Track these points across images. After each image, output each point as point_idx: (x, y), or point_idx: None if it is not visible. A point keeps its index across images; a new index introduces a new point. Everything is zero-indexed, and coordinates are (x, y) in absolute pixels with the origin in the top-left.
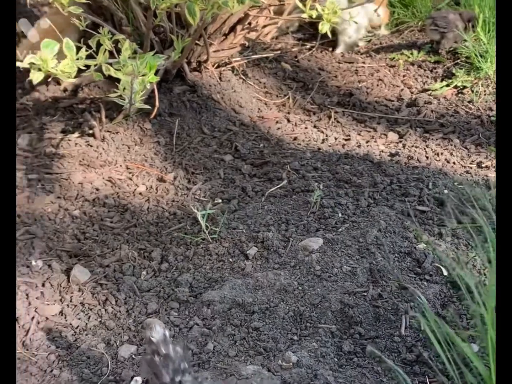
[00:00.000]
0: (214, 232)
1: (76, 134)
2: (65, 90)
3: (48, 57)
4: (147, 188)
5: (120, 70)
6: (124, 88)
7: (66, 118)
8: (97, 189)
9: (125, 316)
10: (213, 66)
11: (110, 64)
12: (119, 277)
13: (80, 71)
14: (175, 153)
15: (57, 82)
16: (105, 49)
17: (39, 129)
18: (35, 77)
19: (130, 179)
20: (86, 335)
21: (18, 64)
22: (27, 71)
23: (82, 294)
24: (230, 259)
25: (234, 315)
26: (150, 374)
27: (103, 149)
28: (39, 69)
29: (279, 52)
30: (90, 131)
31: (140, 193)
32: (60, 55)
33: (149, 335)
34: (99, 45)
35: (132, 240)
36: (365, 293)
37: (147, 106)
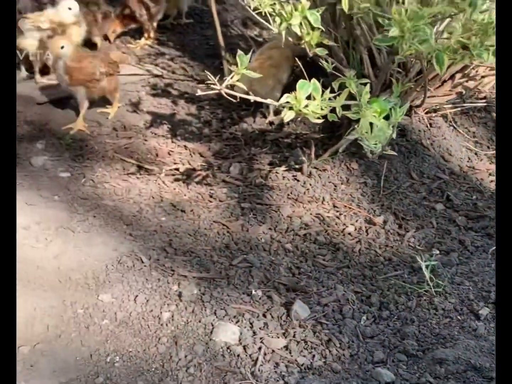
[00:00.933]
0: (438, 285)
1: (283, 168)
2: (271, 123)
3: (302, 97)
4: (356, 229)
5: (358, 112)
6: (365, 131)
7: (272, 151)
8: (306, 225)
9: (350, 361)
10: (423, 111)
11: (347, 106)
12: (338, 318)
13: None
14: (383, 196)
15: (264, 115)
16: (348, 92)
17: (248, 160)
18: (287, 115)
19: (338, 217)
20: (313, 374)
21: (270, 101)
22: (236, 99)
23: (304, 330)
24: (459, 317)
25: (470, 378)
26: None
27: (310, 185)
28: (290, 108)
29: (485, 101)
30: (297, 166)
31: (350, 233)
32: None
33: None
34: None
35: (347, 281)
36: None
37: (394, 153)
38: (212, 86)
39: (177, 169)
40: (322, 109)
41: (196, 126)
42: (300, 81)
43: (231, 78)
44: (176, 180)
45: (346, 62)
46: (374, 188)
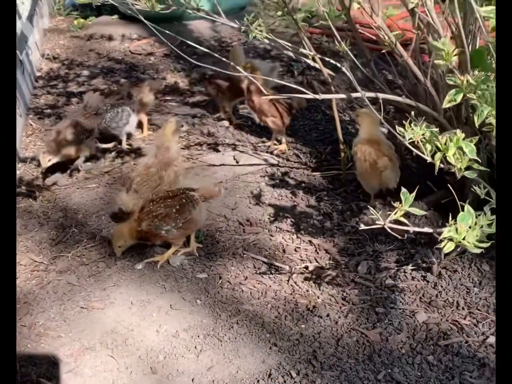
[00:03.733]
0: None
1: (411, 266)
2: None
3: (463, 230)
4: None
5: None
6: None
7: (397, 247)
8: (445, 334)
9: None
10: None
11: None
12: None
13: None
14: None
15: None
16: None
17: (374, 257)
18: (447, 247)
19: (476, 325)
20: None
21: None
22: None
23: None
24: None
25: None
26: None
27: (442, 287)
28: (450, 239)
29: None
30: (424, 265)
31: (492, 345)
32: None
33: None
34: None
35: None
36: None
37: None
38: (376, 221)
39: (306, 268)
40: (481, 241)
41: (317, 219)
42: (461, 214)
43: (395, 214)
44: (307, 279)
45: None
46: None
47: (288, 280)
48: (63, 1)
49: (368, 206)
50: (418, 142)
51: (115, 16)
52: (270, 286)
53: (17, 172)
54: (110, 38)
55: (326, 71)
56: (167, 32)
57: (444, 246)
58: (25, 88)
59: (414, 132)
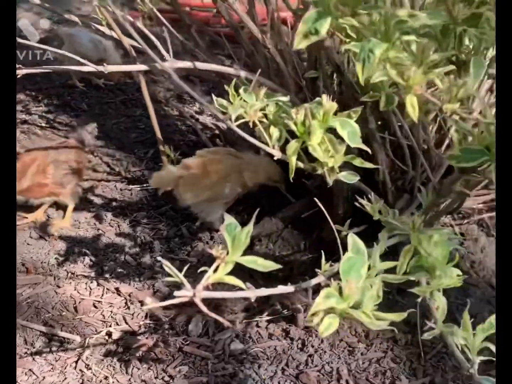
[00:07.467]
0: None
1: (266, 317)
2: None
3: (353, 291)
4: None
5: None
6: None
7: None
8: None
9: None
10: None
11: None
12: None
13: None
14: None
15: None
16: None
17: (213, 308)
18: (325, 327)
19: None
20: None
21: None
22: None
23: None
24: None
25: None
26: None
27: (313, 347)
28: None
29: None
30: (285, 312)
31: None
32: None
33: None
34: None
35: None
36: None
37: None
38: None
39: (108, 335)
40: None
41: (131, 253)
42: (346, 259)
43: (215, 270)
44: (109, 355)
45: None
46: None
47: (76, 362)
48: None
49: None
50: (255, 123)
51: None
52: (44, 378)
53: None
54: None
55: (126, 40)
56: None
57: (320, 326)
58: None
59: (248, 106)
